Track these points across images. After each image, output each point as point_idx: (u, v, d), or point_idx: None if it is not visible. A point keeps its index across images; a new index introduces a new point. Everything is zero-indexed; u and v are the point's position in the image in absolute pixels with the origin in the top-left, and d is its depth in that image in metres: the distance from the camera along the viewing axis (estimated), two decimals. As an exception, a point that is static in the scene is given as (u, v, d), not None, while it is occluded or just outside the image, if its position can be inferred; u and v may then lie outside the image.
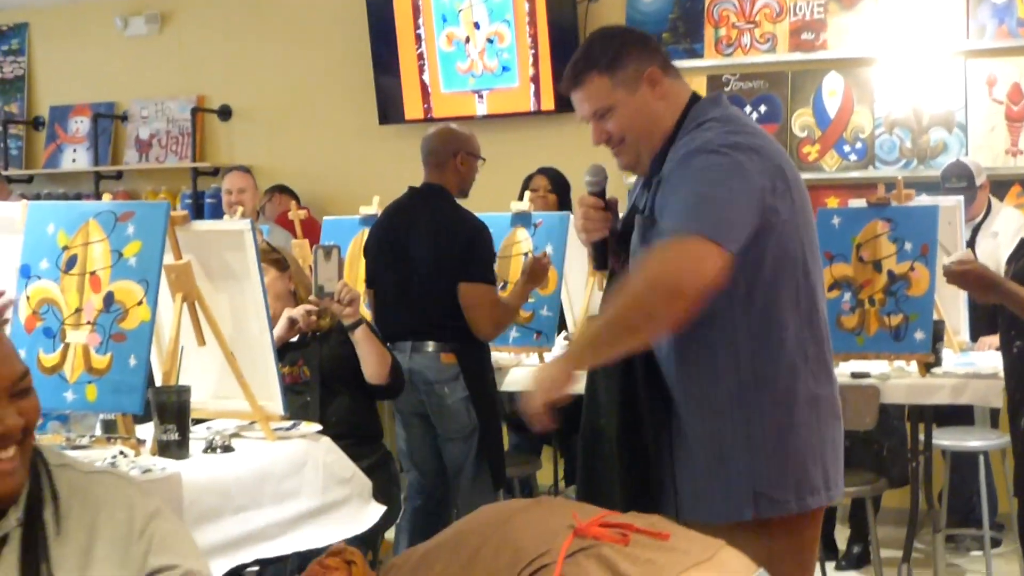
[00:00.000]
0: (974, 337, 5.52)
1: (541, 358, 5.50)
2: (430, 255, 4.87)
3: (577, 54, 2.93)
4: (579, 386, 2.78)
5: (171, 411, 3.41)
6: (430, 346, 4.87)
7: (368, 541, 4.34)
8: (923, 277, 4.92)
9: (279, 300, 4.54)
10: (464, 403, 4.86)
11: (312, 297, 4.51)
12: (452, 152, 5.01)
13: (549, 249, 5.50)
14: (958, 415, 5.68)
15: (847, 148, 7.07)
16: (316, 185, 8.13)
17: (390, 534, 4.97)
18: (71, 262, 3.70)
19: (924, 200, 5.28)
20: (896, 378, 4.93)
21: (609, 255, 3.00)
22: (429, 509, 5.07)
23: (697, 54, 7.20)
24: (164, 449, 3.41)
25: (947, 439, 5.56)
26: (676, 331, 2.70)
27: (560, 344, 5.64)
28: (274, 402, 3.75)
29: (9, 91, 9.26)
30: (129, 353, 3.55)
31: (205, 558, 2.07)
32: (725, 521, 2.70)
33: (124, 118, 8.89)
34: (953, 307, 5.29)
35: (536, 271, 5.21)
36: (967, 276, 3.99)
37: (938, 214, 5.00)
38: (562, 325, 5.84)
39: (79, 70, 9.03)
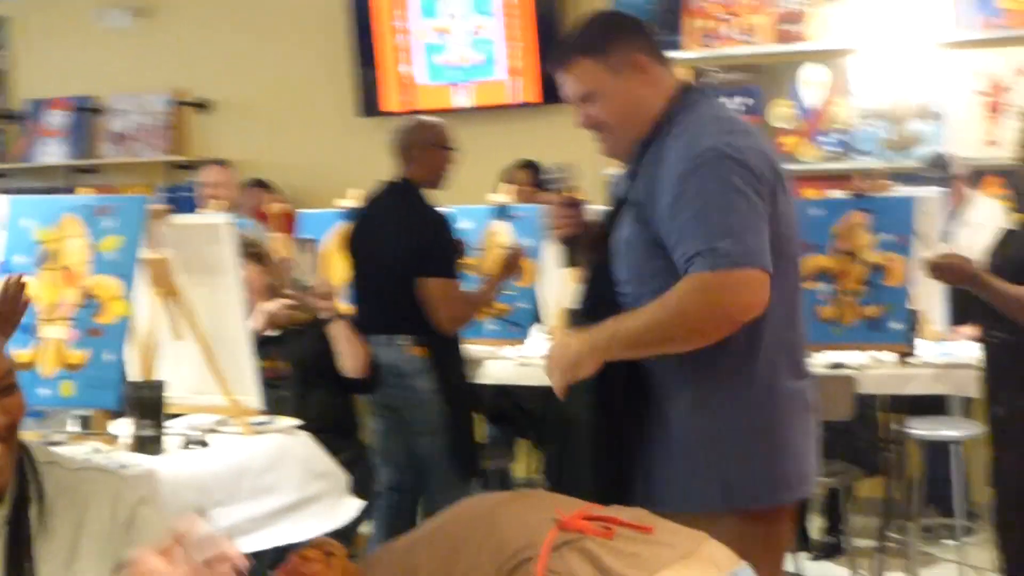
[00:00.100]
0: (950, 326, 5.54)
1: (517, 351, 5.50)
2: (392, 249, 4.85)
3: (566, 35, 2.92)
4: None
5: (147, 406, 3.41)
6: (399, 339, 4.83)
7: (344, 535, 4.33)
8: (900, 267, 4.93)
9: (256, 294, 4.53)
10: (434, 396, 4.82)
11: (289, 291, 4.50)
12: (418, 144, 4.97)
13: (528, 242, 5.50)
14: (932, 405, 5.69)
15: (826, 139, 7.08)
16: (294, 179, 8.10)
17: (366, 528, 4.97)
18: (48, 257, 3.69)
19: (902, 191, 5.29)
20: (873, 368, 4.94)
21: (579, 253, 2.99)
22: (402, 502, 5.04)
23: (677, 45, 7.20)
24: (140, 445, 3.41)
25: (921, 429, 5.57)
26: None
27: (537, 336, 5.64)
28: (251, 397, 3.75)
29: (-12, 85, 9.23)
30: (105, 348, 3.55)
31: None
32: (697, 511, 2.69)
33: (101, 111, 8.85)
34: (929, 297, 5.30)
35: (508, 264, 5.20)
36: (948, 269, 4.03)
37: (916, 205, 5.02)
38: (538, 317, 5.84)
39: (57, 63, 8.99)
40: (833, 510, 5.89)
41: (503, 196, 5.83)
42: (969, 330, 5.22)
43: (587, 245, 3.04)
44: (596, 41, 2.86)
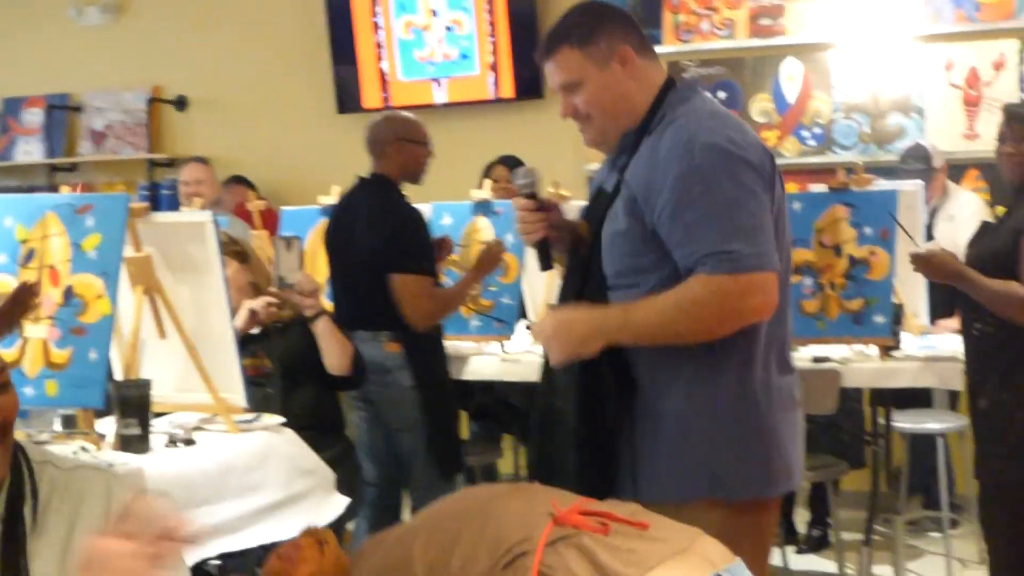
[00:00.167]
0: (932, 320, 5.56)
1: (502, 346, 5.50)
2: (366, 245, 4.83)
3: (554, 25, 2.92)
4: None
5: (132, 405, 3.39)
6: (375, 335, 4.82)
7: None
8: (883, 261, 4.94)
9: (240, 292, 4.51)
10: (410, 393, 4.80)
11: (273, 288, 4.48)
12: (389, 140, 4.95)
13: (511, 237, 5.49)
14: (916, 398, 5.71)
15: (805, 133, 7.09)
16: (274, 175, 8.08)
17: (351, 525, 4.95)
18: (29, 256, 3.67)
19: (882, 185, 5.30)
20: (857, 362, 4.95)
21: (555, 254, 2.97)
22: (386, 497, 5.03)
23: (655, 40, 7.20)
24: (125, 444, 3.39)
25: (906, 422, 5.59)
26: None
27: (522, 331, 5.63)
28: (236, 394, 3.74)
29: (-38, 84, 9.16)
30: (89, 347, 3.53)
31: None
32: (686, 502, 2.69)
33: (78, 109, 8.81)
34: (912, 290, 5.31)
35: (486, 260, 5.19)
36: (932, 264, 4.06)
37: (898, 199, 5.03)
38: (523, 313, 5.84)
39: (34, 61, 8.94)
40: (819, 503, 5.91)
41: (484, 192, 5.82)
42: (952, 323, 5.24)
43: (564, 244, 3.03)
44: (582, 31, 2.85)
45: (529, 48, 7.53)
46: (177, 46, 8.51)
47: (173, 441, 3.52)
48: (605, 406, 2.77)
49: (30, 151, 8.90)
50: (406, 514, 5.17)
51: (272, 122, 8.28)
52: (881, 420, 5.30)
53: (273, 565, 2.25)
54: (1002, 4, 6.68)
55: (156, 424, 3.60)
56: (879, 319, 4.93)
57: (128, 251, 3.63)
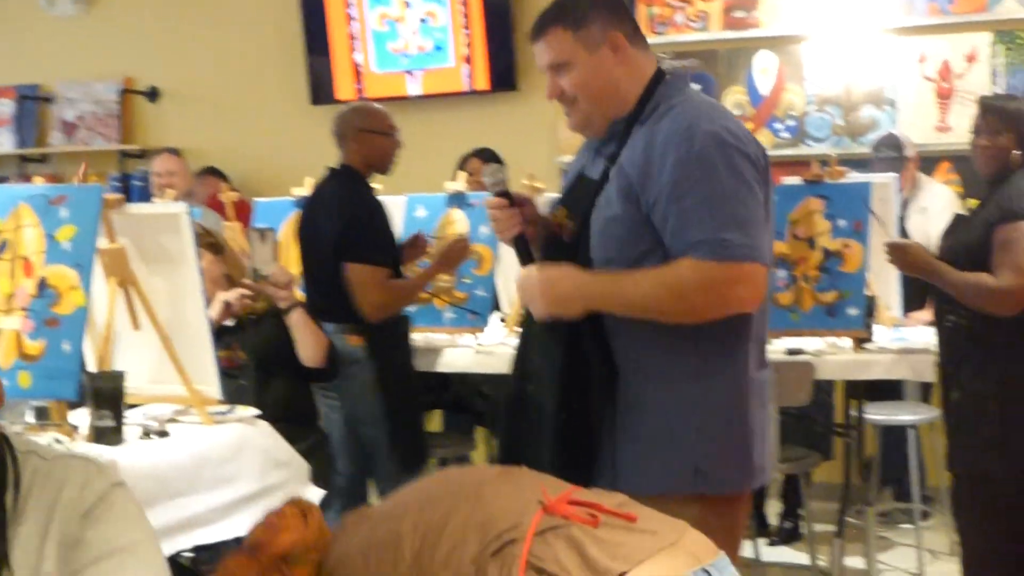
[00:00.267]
0: (905, 312, 5.58)
1: (476, 339, 5.50)
2: (326, 236, 4.82)
3: (548, 5, 2.91)
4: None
5: (106, 397, 3.38)
6: (339, 327, 4.80)
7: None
8: (856, 254, 4.96)
9: (213, 284, 4.51)
10: (372, 386, 4.79)
11: (247, 280, 4.47)
12: (352, 130, 4.94)
13: (484, 230, 5.48)
14: (888, 390, 5.74)
15: (779, 126, 7.11)
16: (247, 167, 8.05)
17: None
18: (2, 247, 3.65)
19: (855, 177, 5.32)
20: (830, 354, 4.97)
21: (532, 248, 2.96)
22: (352, 488, 5.02)
23: (629, 33, 7.19)
24: (99, 435, 3.38)
25: (877, 414, 5.62)
26: None
27: (495, 324, 5.63)
28: (211, 386, 3.73)
29: (-68, 74, 9.09)
30: (63, 338, 3.51)
31: (155, 539, 2.05)
32: (665, 495, 2.68)
33: (50, 100, 8.76)
34: (886, 283, 5.33)
35: (448, 256, 5.18)
36: (906, 254, 4.10)
37: (871, 191, 5.05)
38: (497, 305, 5.84)
39: (3, 51, 8.87)
40: (791, 495, 5.93)
41: (459, 184, 5.82)
42: (924, 315, 5.27)
43: (540, 237, 3.02)
44: (576, 13, 2.85)
45: (504, 40, 7.57)
46: (149, 37, 8.46)
47: (147, 433, 3.51)
48: (588, 394, 2.77)
49: (1, 142, 8.84)
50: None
51: (245, 113, 8.25)
52: (853, 412, 5.32)
53: (256, 533, 2.25)
54: (974, -3, 6.72)
55: (130, 416, 3.58)
56: (852, 311, 4.95)
57: (102, 242, 3.61)
